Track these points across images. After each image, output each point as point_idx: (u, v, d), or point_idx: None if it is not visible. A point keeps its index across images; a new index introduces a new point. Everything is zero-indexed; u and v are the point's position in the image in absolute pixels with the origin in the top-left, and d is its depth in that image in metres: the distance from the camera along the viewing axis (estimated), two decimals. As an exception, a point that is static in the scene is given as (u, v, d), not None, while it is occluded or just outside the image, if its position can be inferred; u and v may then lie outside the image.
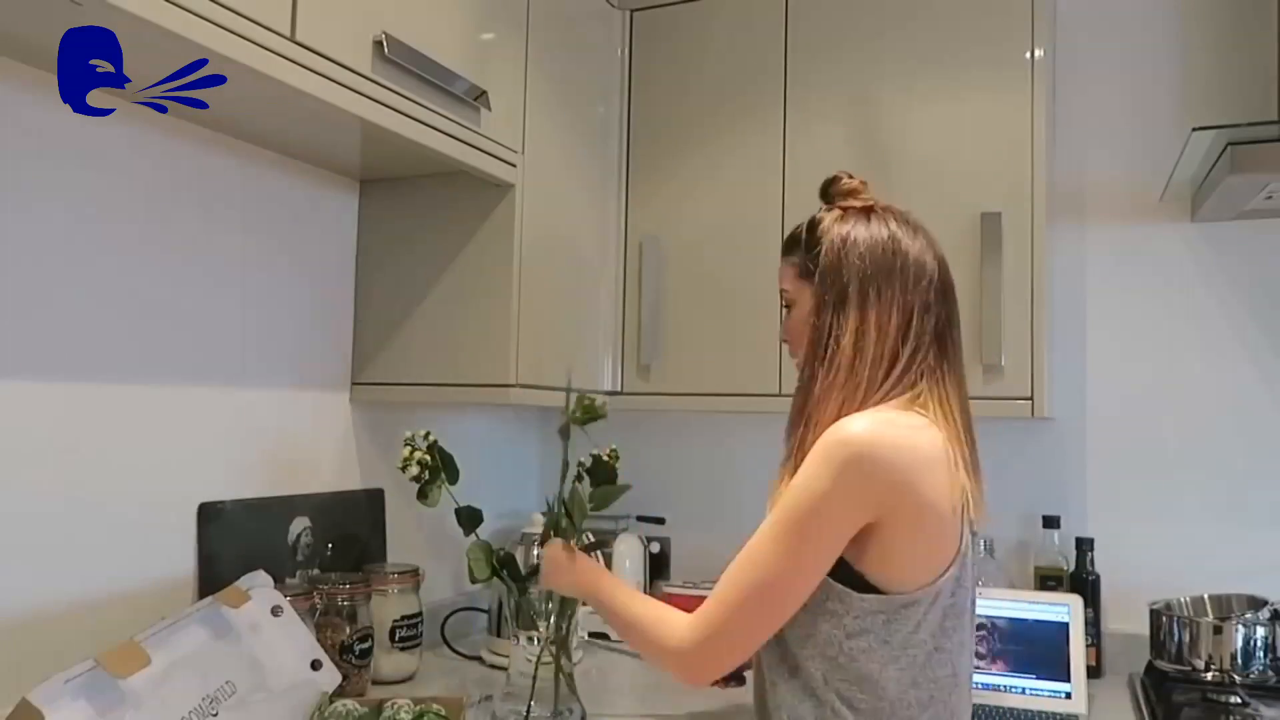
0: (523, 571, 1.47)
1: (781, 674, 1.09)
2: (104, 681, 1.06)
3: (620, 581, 1.26)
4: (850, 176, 1.20)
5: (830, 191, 1.21)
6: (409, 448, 1.48)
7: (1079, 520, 1.92)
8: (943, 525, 1.04)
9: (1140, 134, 1.93)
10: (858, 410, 1.06)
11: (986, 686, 1.64)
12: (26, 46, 1.14)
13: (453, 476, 1.50)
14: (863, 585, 1.03)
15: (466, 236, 1.67)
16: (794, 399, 1.14)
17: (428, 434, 1.51)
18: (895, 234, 1.12)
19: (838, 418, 1.05)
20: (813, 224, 1.18)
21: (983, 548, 1.87)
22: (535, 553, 1.81)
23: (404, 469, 1.48)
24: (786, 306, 1.20)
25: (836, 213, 1.16)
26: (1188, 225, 1.90)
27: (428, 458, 1.48)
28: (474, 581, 1.44)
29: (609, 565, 2.03)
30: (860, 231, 1.13)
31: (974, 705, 1.59)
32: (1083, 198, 1.97)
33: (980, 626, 1.69)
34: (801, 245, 1.17)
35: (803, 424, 1.10)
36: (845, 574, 1.04)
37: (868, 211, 1.15)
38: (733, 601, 1.05)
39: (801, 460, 1.05)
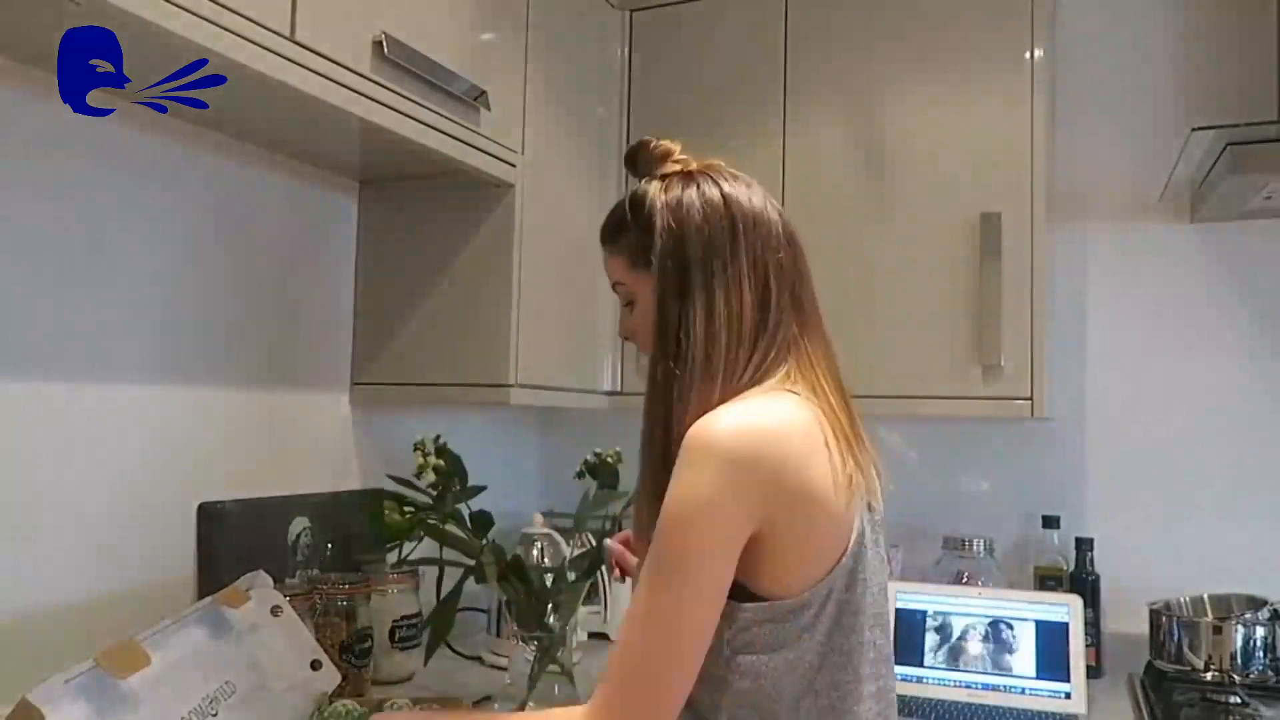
0: (528, 572, 1.47)
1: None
2: (104, 681, 1.06)
3: (475, 712, 1.11)
4: (658, 141, 1.05)
5: (639, 160, 1.05)
6: (421, 453, 1.49)
7: (1079, 520, 1.92)
8: (830, 517, 0.91)
9: (1140, 134, 1.93)
10: (719, 404, 0.91)
11: (986, 687, 1.64)
12: (26, 46, 1.14)
13: (463, 479, 1.50)
14: (743, 594, 0.90)
15: (466, 236, 1.67)
16: (645, 406, 0.98)
17: (438, 437, 1.51)
18: (729, 193, 0.98)
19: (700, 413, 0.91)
20: (635, 201, 1.01)
21: (982, 547, 1.87)
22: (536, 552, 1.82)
23: (419, 476, 1.48)
24: (627, 304, 1.06)
25: (657, 183, 1.01)
26: (1187, 225, 1.90)
27: (441, 462, 1.48)
28: (479, 583, 1.44)
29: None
30: (691, 197, 0.98)
31: (975, 705, 1.61)
32: (1083, 198, 1.97)
33: (981, 626, 1.69)
34: (628, 228, 1.01)
35: (663, 433, 0.94)
36: None
37: (689, 175, 1.01)
38: (637, 662, 0.87)
39: (665, 478, 0.90)
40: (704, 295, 0.95)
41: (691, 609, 0.87)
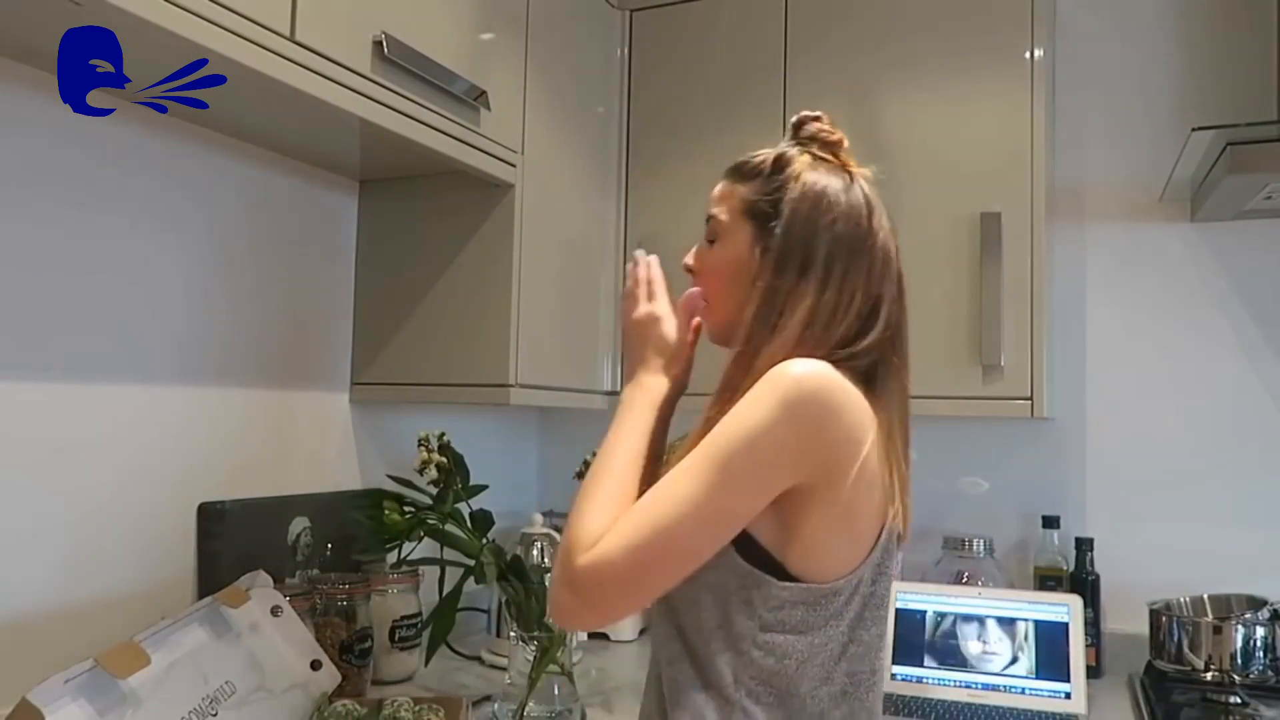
0: (527, 572, 1.47)
1: (683, 672, 0.94)
2: (104, 681, 1.06)
3: (650, 423, 1.00)
4: (833, 125, 1.04)
5: (803, 132, 1.04)
6: (424, 449, 1.49)
7: (1079, 520, 1.92)
8: (873, 504, 0.92)
9: (1140, 134, 1.93)
10: None
11: (986, 687, 1.64)
12: (26, 46, 1.15)
13: (464, 477, 1.50)
14: (781, 574, 0.91)
15: (466, 236, 1.67)
16: (730, 366, 0.96)
17: (442, 434, 1.51)
18: (874, 206, 1.00)
19: None
20: (781, 160, 1.00)
21: (982, 547, 1.87)
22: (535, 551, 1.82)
23: (421, 472, 1.48)
24: (710, 240, 1.04)
25: (809, 157, 1.01)
26: (1187, 225, 1.90)
27: (444, 460, 1.48)
28: (479, 583, 1.44)
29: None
30: (836, 189, 0.98)
31: (975, 705, 1.61)
32: (1082, 198, 1.97)
33: (981, 626, 1.69)
34: (763, 179, 1.01)
35: (740, 379, 0.94)
36: (762, 560, 0.91)
37: (845, 169, 1.01)
38: (636, 535, 0.87)
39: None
40: (816, 289, 0.95)
41: (718, 515, 0.88)
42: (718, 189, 1.05)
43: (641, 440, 0.99)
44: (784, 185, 0.99)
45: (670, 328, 1.06)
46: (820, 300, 0.95)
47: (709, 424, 0.92)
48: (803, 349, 0.93)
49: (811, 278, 0.95)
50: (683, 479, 0.88)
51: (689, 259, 1.07)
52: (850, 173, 1.02)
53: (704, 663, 0.93)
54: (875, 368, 0.97)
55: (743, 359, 0.96)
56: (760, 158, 1.03)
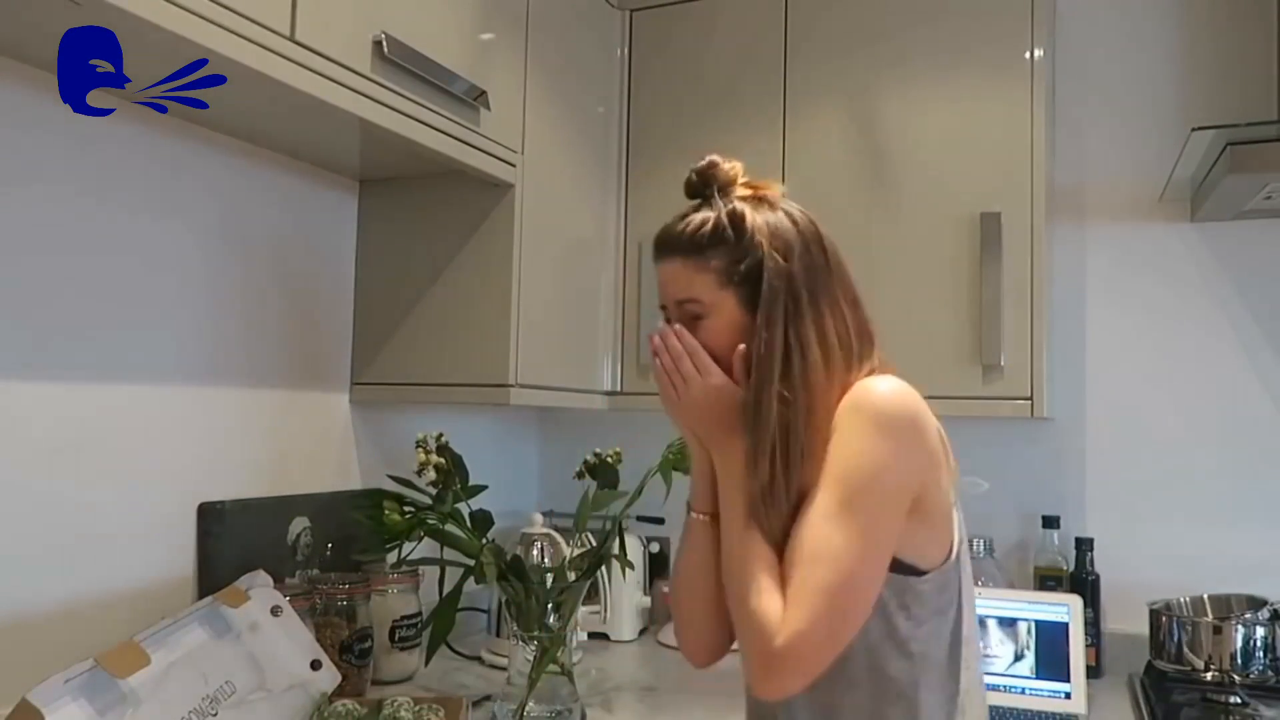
0: (527, 572, 1.47)
1: (859, 686, 0.98)
2: (104, 681, 1.06)
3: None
4: (727, 161, 1.07)
5: (713, 179, 1.06)
6: (422, 450, 1.49)
7: (1079, 520, 1.92)
8: (949, 490, 1.01)
9: (1140, 134, 1.93)
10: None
11: (986, 686, 1.63)
12: (26, 46, 1.15)
13: (463, 478, 1.50)
14: (904, 568, 0.98)
15: (466, 236, 1.67)
16: (759, 430, 0.98)
17: (440, 435, 1.51)
18: (815, 222, 1.06)
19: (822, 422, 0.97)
20: (736, 220, 1.02)
21: (982, 547, 1.87)
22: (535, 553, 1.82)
23: (420, 474, 1.48)
24: (696, 317, 1.04)
25: (749, 205, 1.04)
26: (1187, 225, 1.90)
27: (442, 461, 1.48)
28: (479, 583, 1.44)
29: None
30: (787, 227, 1.03)
31: (974, 705, 1.61)
32: (1082, 198, 1.97)
33: (981, 626, 1.69)
34: (729, 245, 1.02)
35: (789, 451, 0.97)
36: (895, 564, 0.97)
37: (770, 201, 1.05)
38: (818, 606, 0.91)
39: (796, 486, 0.96)
40: (815, 322, 1.00)
41: (878, 551, 0.94)
42: (676, 274, 1.04)
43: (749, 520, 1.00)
44: (751, 242, 1.01)
45: (734, 390, 1.03)
46: (823, 329, 1.00)
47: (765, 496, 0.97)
48: (830, 384, 0.99)
49: (805, 315, 1.00)
50: (833, 534, 0.92)
51: (668, 339, 1.04)
52: (776, 200, 1.06)
53: (872, 647, 0.98)
54: (873, 350, 1.05)
55: (772, 422, 0.98)
56: (711, 224, 1.03)
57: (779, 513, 0.97)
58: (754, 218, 1.03)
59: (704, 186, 1.06)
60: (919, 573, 0.98)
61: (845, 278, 1.06)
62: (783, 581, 0.94)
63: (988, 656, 1.66)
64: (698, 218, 1.04)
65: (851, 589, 0.92)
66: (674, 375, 1.04)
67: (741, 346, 1.03)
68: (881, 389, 0.96)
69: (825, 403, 0.98)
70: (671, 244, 1.05)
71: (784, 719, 1.02)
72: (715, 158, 1.07)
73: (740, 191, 1.06)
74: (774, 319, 0.99)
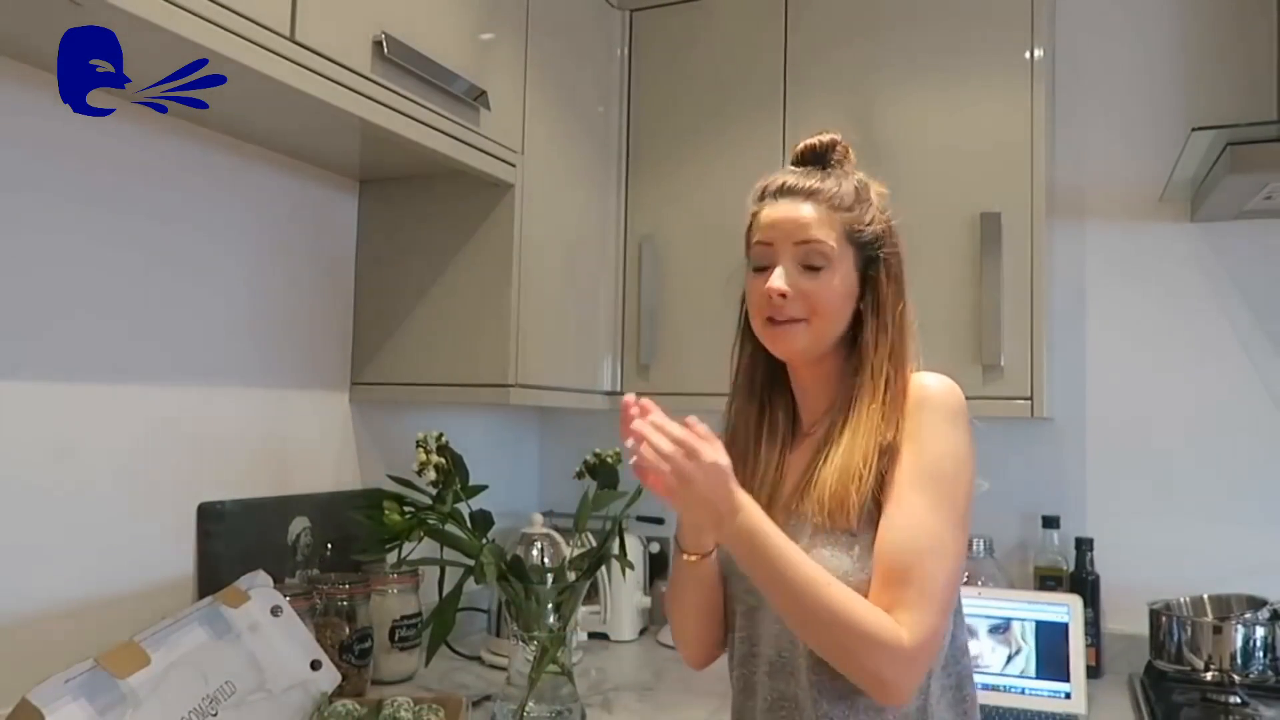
0: (527, 573, 1.47)
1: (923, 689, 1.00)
2: (104, 681, 1.06)
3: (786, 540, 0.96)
4: (842, 140, 1.12)
5: (835, 150, 1.10)
6: (422, 450, 1.48)
7: (1079, 520, 1.92)
8: None
9: (1140, 134, 1.93)
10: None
11: (986, 687, 1.64)
12: (26, 46, 1.15)
13: (463, 478, 1.50)
14: None
15: (466, 236, 1.67)
16: (863, 377, 1.04)
17: (440, 435, 1.51)
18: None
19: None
20: (863, 190, 1.08)
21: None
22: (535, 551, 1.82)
23: (420, 473, 1.48)
24: (812, 266, 1.04)
25: (876, 184, 1.10)
26: (1187, 225, 1.90)
27: (442, 461, 1.48)
28: (479, 583, 1.44)
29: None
30: (882, 207, 1.09)
31: (974, 705, 1.61)
32: (1082, 198, 1.97)
33: (980, 626, 1.69)
34: (857, 209, 1.06)
35: (888, 396, 1.03)
36: None
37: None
38: (942, 599, 0.95)
39: (891, 434, 1.00)
40: (898, 291, 1.07)
41: (965, 544, 1.00)
42: (813, 214, 1.04)
43: (800, 557, 0.95)
44: (875, 215, 1.07)
45: (727, 463, 0.94)
46: (908, 305, 1.07)
47: (853, 444, 1.02)
48: (910, 353, 1.06)
49: (905, 290, 1.08)
50: (940, 526, 0.96)
51: (781, 284, 1.03)
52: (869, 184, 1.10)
53: (935, 672, 1.03)
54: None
55: (878, 374, 1.04)
56: (853, 184, 1.07)
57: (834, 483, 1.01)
58: (878, 190, 1.09)
59: (827, 154, 1.10)
60: None
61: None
62: (880, 575, 0.96)
63: (988, 655, 1.66)
64: (833, 176, 1.07)
65: (957, 582, 0.98)
66: (670, 478, 0.91)
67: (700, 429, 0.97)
68: (944, 385, 1.02)
69: (903, 368, 1.05)
70: (809, 189, 1.06)
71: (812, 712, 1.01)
72: (835, 134, 1.11)
73: (850, 169, 1.10)
74: (883, 282, 1.06)
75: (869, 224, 1.06)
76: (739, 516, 0.94)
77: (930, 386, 1.02)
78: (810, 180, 1.06)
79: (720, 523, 0.94)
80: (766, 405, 1.13)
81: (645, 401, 0.96)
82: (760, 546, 0.94)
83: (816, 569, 0.94)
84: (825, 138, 1.10)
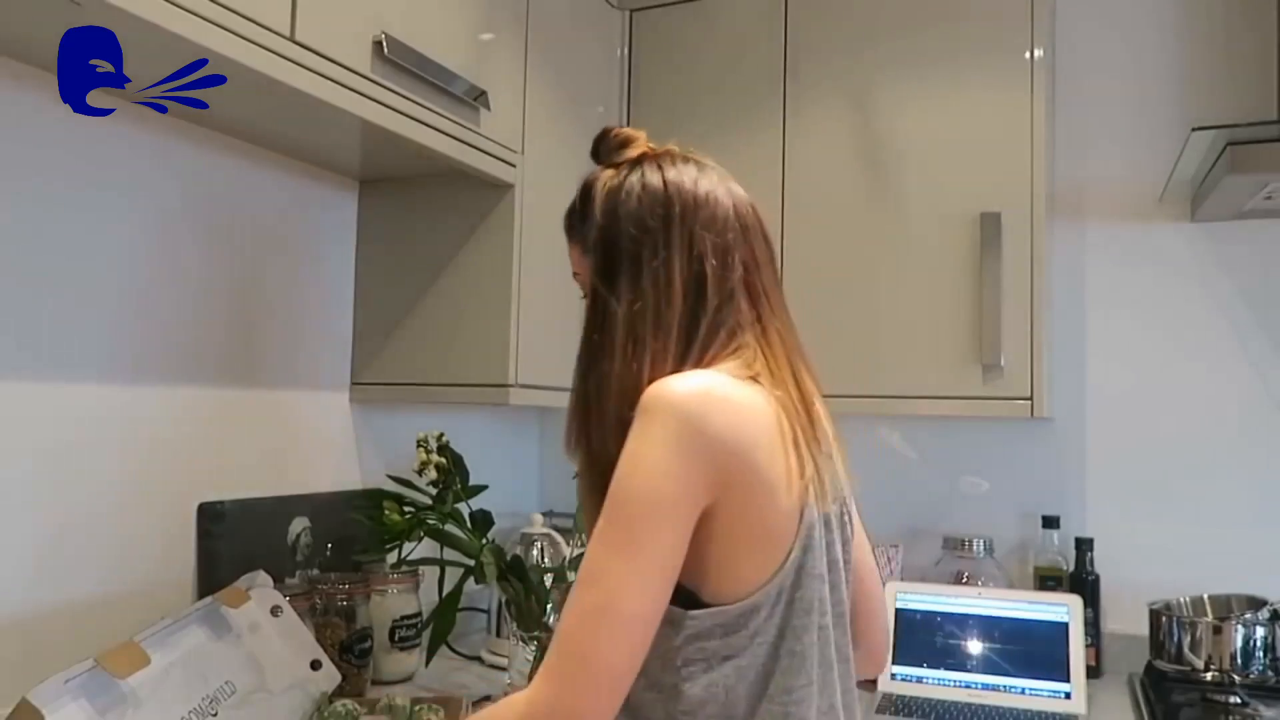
0: (527, 573, 1.47)
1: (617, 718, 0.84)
2: (104, 681, 1.06)
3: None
4: (620, 129, 1.02)
5: (600, 149, 1.03)
6: (423, 450, 1.49)
7: (1078, 520, 1.92)
8: (780, 511, 0.86)
9: (1140, 134, 1.93)
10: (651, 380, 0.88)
11: (986, 687, 1.64)
12: (26, 46, 1.15)
13: (464, 478, 1.50)
14: (691, 602, 0.86)
15: (466, 236, 1.67)
16: (570, 398, 0.95)
17: (440, 435, 1.51)
18: (671, 178, 0.96)
19: (622, 402, 0.88)
20: (584, 189, 0.99)
21: (982, 547, 1.87)
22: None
23: (420, 473, 1.48)
24: (585, 295, 1.00)
25: (609, 171, 0.99)
26: (1187, 225, 1.90)
27: (443, 460, 1.48)
28: (479, 583, 1.44)
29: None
30: (631, 182, 0.96)
31: (975, 705, 1.61)
32: (1082, 198, 1.97)
33: (981, 626, 1.69)
34: (579, 211, 0.99)
35: (587, 418, 0.92)
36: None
37: (637, 161, 0.99)
38: (575, 631, 0.80)
39: (599, 459, 0.88)
40: (629, 281, 0.92)
41: (641, 576, 0.81)
42: (569, 253, 1.03)
43: None
44: (591, 208, 0.97)
45: None
46: (638, 290, 0.92)
47: (581, 474, 0.92)
48: (636, 352, 0.90)
49: (621, 275, 0.93)
50: (597, 552, 0.82)
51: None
52: (646, 157, 0.99)
53: (634, 706, 0.87)
54: (740, 334, 0.93)
55: (579, 389, 0.95)
56: (573, 201, 1.01)
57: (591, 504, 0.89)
58: (605, 184, 0.97)
59: (595, 157, 1.03)
60: (692, 602, 0.86)
61: (697, 244, 0.93)
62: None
63: (988, 655, 1.66)
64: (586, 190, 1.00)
65: (612, 614, 0.80)
66: None
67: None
68: (674, 385, 0.85)
69: (622, 377, 0.90)
70: (564, 221, 1.03)
71: None
72: (610, 127, 1.03)
73: (625, 155, 1.00)
74: (596, 277, 0.95)
75: (587, 226, 0.97)
76: None
77: (651, 391, 0.85)
78: (569, 209, 1.03)
79: None
80: None
81: None
82: None
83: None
84: (599, 133, 1.03)
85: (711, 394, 0.85)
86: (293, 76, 1.16)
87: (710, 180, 0.98)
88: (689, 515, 0.83)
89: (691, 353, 0.91)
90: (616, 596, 0.80)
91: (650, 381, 0.87)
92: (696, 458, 0.82)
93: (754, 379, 0.90)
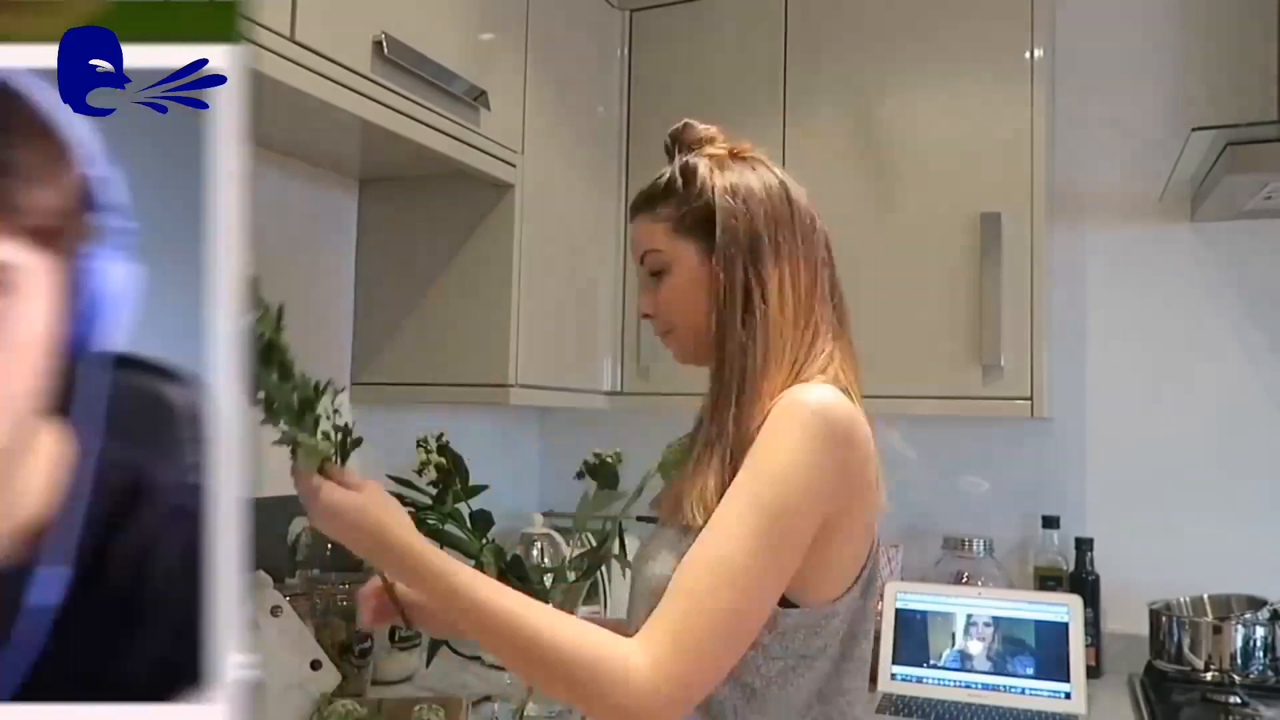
0: (528, 572, 1.47)
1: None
2: (104, 681, 1.06)
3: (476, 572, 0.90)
4: (698, 124, 1.04)
5: (685, 140, 1.03)
6: (423, 450, 1.48)
7: (1078, 520, 1.92)
8: (873, 517, 0.93)
9: (1140, 134, 1.93)
10: (797, 382, 0.91)
11: (986, 687, 1.64)
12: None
13: (464, 478, 1.50)
14: (782, 599, 0.87)
15: (466, 236, 1.67)
16: (721, 373, 0.94)
17: (440, 435, 1.51)
18: (784, 180, 1.00)
19: (783, 389, 0.90)
20: (687, 172, 0.98)
21: (982, 547, 1.87)
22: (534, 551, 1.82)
23: (420, 473, 1.48)
24: (656, 273, 1.00)
25: (708, 160, 0.99)
26: (1187, 225, 1.90)
27: (443, 460, 1.48)
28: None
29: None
30: (750, 177, 0.98)
31: (975, 705, 1.61)
32: (1082, 198, 1.97)
33: (981, 626, 1.69)
34: (673, 196, 0.98)
35: (741, 396, 0.91)
36: None
37: (742, 156, 1.01)
38: (711, 613, 0.81)
39: (745, 438, 0.88)
40: (774, 269, 0.95)
41: (776, 583, 0.85)
42: (637, 230, 1.02)
43: (493, 589, 0.88)
44: (702, 190, 0.97)
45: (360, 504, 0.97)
46: (783, 281, 0.94)
47: (711, 445, 0.91)
48: (784, 345, 0.93)
49: (765, 261, 0.95)
50: (739, 540, 0.83)
51: (644, 306, 1.03)
52: (746, 155, 1.02)
53: (707, 701, 0.87)
54: (832, 338, 0.96)
55: (730, 364, 0.94)
56: (664, 179, 1.01)
57: (695, 484, 0.90)
58: (708, 168, 0.99)
59: (674, 146, 1.04)
60: (788, 605, 0.88)
61: (811, 247, 0.99)
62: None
63: (988, 655, 1.66)
64: (666, 173, 1.01)
65: (746, 604, 0.83)
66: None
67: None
68: (818, 395, 0.88)
69: (778, 358, 0.92)
70: (635, 203, 1.03)
71: None
72: (691, 120, 1.04)
73: (712, 150, 1.01)
74: (730, 258, 0.95)
75: (695, 204, 0.97)
76: (404, 557, 0.92)
77: (794, 396, 0.88)
78: (642, 192, 1.03)
79: (381, 563, 0.99)
80: None
81: None
82: (431, 581, 0.90)
83: (517, 598, 0.85)
84: (676, 126, 1.04)
85: (847, 408, 0.88)
86: (293, 76, 1.17)
87: (803, 191, 1.02)
88: (817, 521, 0.86)
89: (805, 346, 0.94)
90: (756, 601, 0.84)
91: (792, 374, 0.91)
92: (840, 470, 0.87)
93: (846, 392, 0.92)
